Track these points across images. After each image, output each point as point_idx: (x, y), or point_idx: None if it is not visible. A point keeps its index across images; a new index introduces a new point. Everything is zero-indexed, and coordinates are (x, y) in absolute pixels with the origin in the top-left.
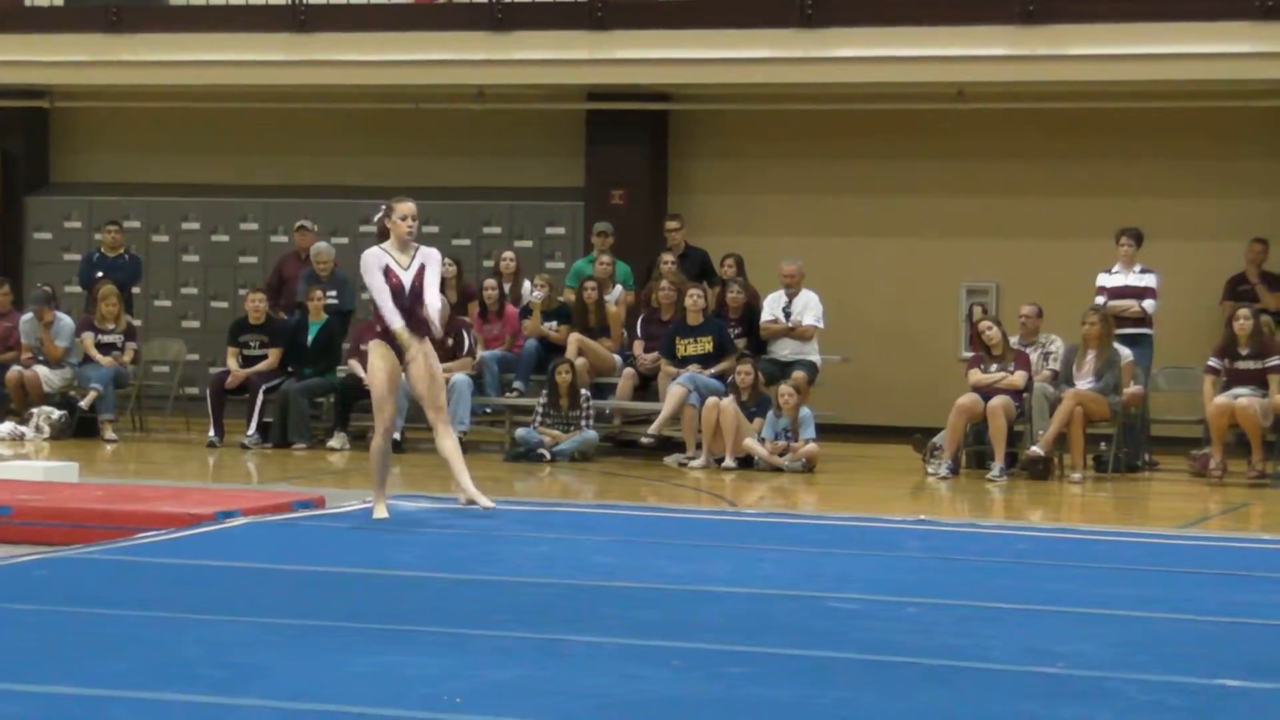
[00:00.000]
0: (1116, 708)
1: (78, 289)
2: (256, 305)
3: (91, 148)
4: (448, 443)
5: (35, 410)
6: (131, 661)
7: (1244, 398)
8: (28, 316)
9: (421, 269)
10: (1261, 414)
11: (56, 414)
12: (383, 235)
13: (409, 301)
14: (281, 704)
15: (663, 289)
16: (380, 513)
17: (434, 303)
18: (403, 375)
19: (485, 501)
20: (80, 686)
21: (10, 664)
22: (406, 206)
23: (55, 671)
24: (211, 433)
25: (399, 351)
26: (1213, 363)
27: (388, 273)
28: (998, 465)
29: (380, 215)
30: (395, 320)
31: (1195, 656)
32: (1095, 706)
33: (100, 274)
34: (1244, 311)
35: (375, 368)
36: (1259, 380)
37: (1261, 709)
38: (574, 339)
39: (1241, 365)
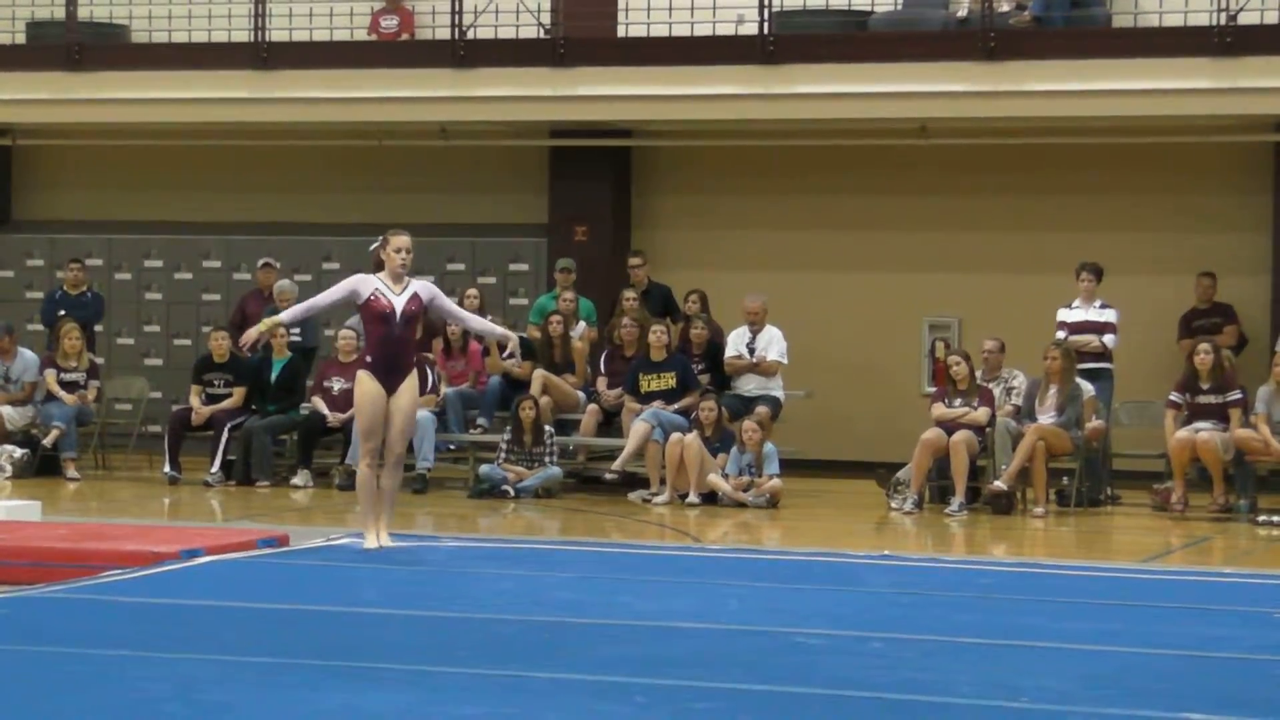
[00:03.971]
0: None
1: (40, 327)
2: (220, 344)
3: (53, 185)
4: (389, 482)
5: None
6: (96, 700)
7: (1205, 432)
8: None
9: (415, 298)
10: (1222, 448)
11: (19, 452)
12: (378, 265)
13: (400, 328)
14: None
15: (624, 326)
16: (371, 543)
17: (492, 328)
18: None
19: (387, 542)
20: None
21: None
22: (401, 240)
23: (19, 711)
24: (167, 467)
25: (387, 382)
26: (1174, 397)
27: (375, 297)
28: (957, 500)
29: (375, 246)
30: (286, 315)
31: (1159, 690)
32: None
33: (63, 312)
34: (1205, 346)
35: (365, 396)
36: (1220, 414)
37: None
38: (538, 376)
39: (1203, 399)
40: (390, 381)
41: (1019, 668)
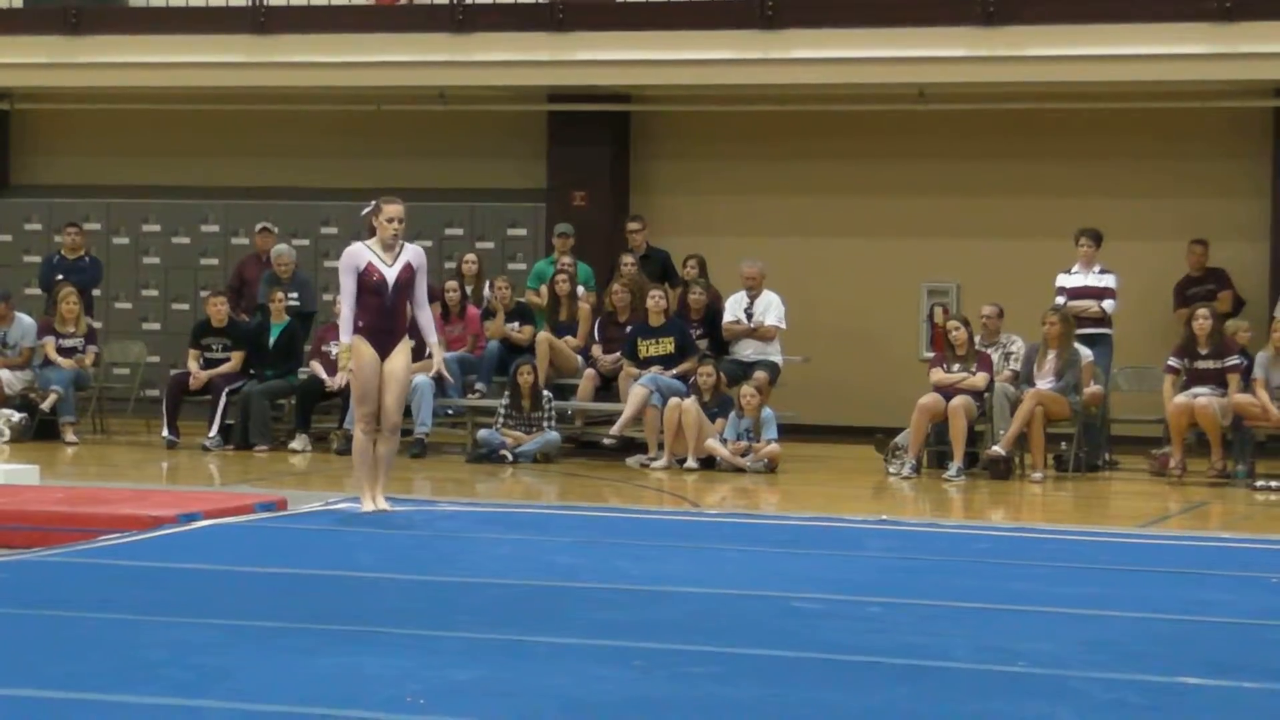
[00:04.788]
0: (1077, 706)
1: (38, 291)
2: (218, 308)
3: (51, 150)
4: (385, 449)
5: None
6: (94, 664)
7: (1203, 397)
8: None
9: (407, 266)
10: (1221, 413)
11: (17, 416)
12: (371, 231)
13: (392, 298)
14: (244, 705)
15: (615, 292)
16: (369, 506)
17: (428, 335)
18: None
19: (384, 505)
20: (42, 689)
21: None
22: (394, 209)
23: (17, 674)
24: (165, 431)
25: (379, 348)
26: (1172, 362)
27: (369, 269)
28: (956, 465)
29: (368, 211)
30: (345, 334)
31: (1155, 654)
32: (1056, 704)
33: (60, 276)
34: (1203, 311)
35: (359, 361)
36: (1218, 380)
37: (1220, 706)
38: (543, 339)
39: (1201, 365)
40: (383, 347)
41: (1016, 632)
